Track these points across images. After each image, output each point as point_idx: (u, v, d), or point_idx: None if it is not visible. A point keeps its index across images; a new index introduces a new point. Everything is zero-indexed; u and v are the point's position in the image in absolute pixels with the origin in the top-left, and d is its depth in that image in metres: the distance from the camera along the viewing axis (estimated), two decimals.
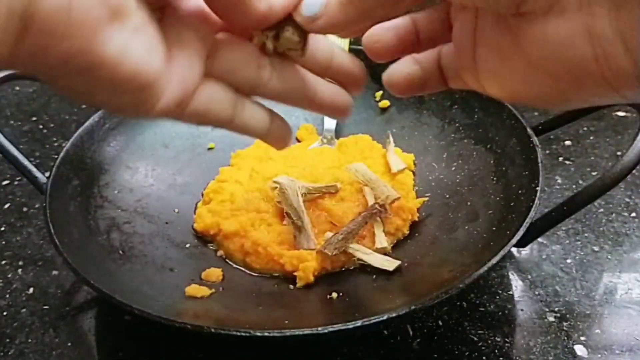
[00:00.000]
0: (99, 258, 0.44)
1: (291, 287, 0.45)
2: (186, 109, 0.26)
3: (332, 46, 0.30)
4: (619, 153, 0.60)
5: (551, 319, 0.44)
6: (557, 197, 0.55)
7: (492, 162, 0.51)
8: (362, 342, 0.42)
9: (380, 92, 0.62)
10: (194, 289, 0.43)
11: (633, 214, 0.53)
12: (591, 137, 0.63)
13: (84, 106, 0.72)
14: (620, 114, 0.66)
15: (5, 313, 0.46)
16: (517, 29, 0.23)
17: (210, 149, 0.59)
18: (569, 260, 0.49)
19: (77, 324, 0.45)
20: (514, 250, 0.49)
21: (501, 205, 0.46)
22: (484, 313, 0.44)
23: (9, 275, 0.50)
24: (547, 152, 0.61)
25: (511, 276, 0.47)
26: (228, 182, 0.53)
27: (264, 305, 0.42)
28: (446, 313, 0.44)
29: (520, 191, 0.45)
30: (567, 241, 0.50)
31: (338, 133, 0.60)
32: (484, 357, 0.41)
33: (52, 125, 0.71)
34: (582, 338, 0.42)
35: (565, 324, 0.43)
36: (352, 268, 0.46)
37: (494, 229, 0.44)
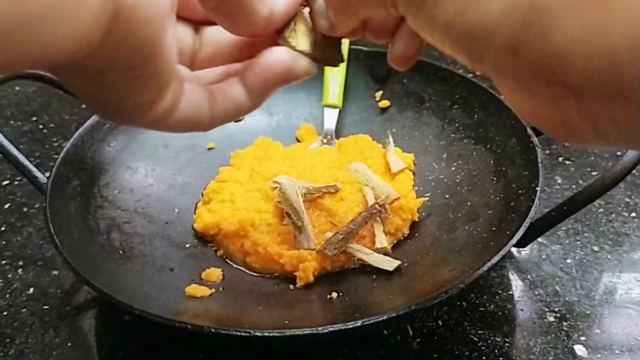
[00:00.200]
0: (99, 258, 0.44)
1: (291, 287, 0.45)
2: (173, 114, 0.26)
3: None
4: (618, 153, 0.60)
5: (551, 319, 0.44)
6: (557, 197, 0.55)
7: (492, 162, 0.51)
8: (362, 342, 0.42)
9: (380, 92, 0.61)
10: (194, 289, 0.43)
11: (633, 214, 0.53)
12: None
13: (84, 106, 0.72)
14: None
15: (5, 313, 0.46)
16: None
17: (210, 149, 0.59)
18: (569, 260, 0.49)
19: (77, 324, 0.45)
20: (514, 250, 0.49)
21: (501, 205, 0.46)
22: (484, 313, 0.44)
23: (9, 275, 0.50)
24: (547, 152, 0.61)
25: (511, 276, 0.47)
26: (228, 182, 0.53)
27: (264, 305, 0.42)
28: (446, 313, 0.44)
29: (520, 191, 0.45)
30: (567, 241, 0.50)
31: (338, 133, 0.60)
32: (484, 357, 0.41)
33: (52, 125, 0.71)
34: (582, 338, 0.42)
35: (565, 324, 0.43)
36: (352, 268, 0.46)
37: (494, 229, 0.44)
